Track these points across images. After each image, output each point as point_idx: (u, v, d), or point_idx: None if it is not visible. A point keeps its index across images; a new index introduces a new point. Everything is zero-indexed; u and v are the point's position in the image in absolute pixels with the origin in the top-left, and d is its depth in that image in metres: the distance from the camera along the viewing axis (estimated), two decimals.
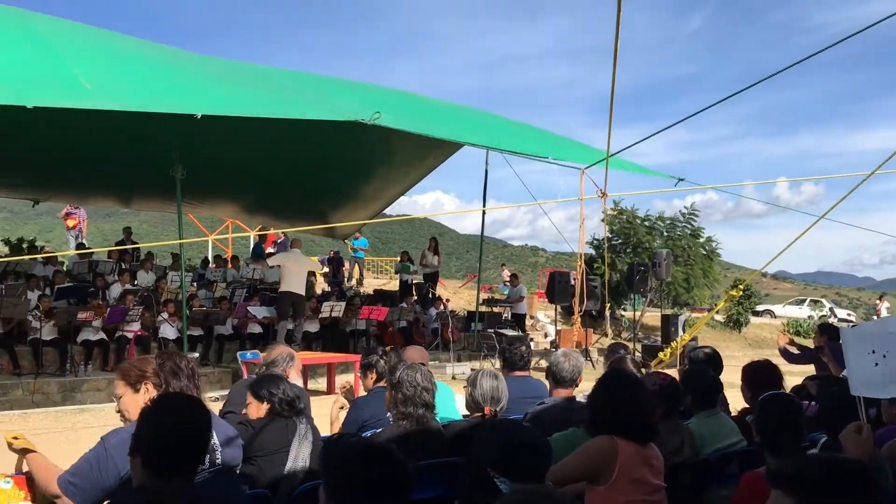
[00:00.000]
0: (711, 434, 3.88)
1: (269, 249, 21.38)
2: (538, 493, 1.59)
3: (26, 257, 14.42)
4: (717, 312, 23.48)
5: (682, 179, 13.53)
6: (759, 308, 33.62)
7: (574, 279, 15.89)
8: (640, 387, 3.12)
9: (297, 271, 13.41)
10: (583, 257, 12.36)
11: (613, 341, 14.42)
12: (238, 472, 3.14)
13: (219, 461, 2.93)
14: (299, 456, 3.43)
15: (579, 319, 12.70)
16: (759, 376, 4.36)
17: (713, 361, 4.72)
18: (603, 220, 21.94)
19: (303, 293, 13.71)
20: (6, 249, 16.90)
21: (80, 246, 17.68)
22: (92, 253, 15.99)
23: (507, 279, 29.28)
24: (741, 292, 14.73)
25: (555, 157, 12.61)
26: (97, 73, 9.05)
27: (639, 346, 16.82)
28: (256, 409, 3.67)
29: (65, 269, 14.78)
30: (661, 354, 10.33)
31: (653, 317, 24.51)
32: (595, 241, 23.11)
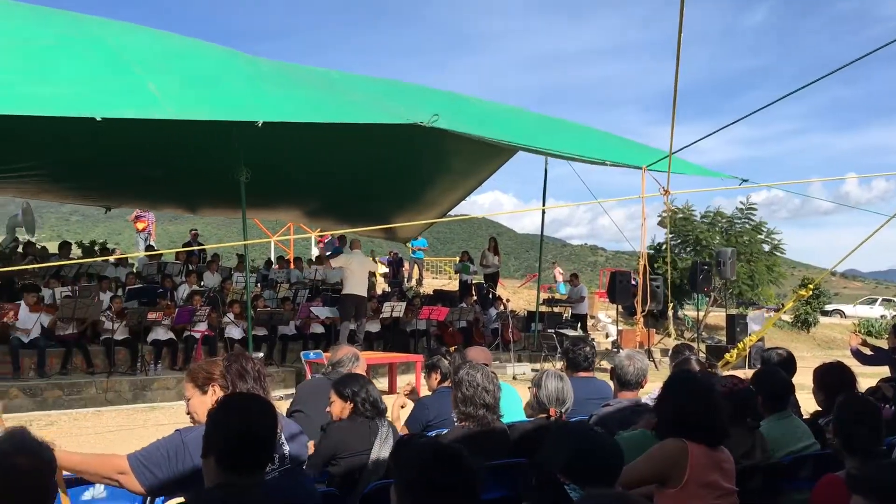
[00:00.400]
0: (784, 437, 3.79)
1: (316, 251, 21.72)
2: (615, 497, 1.57)
3: (99, 259, 14.91)
4: (784, 312, 22.87)
5: (745, 180, 13.26)
6: (829, 308, 32.57)
7: (635, 278, 15.70)
8: (710, 389, 3.06)
9: (359, 273, 13.56)
10: (645, 256, 12.19)
11: (677, 342, 14.20)
12: (304, 467, 3.17)
13: (287, 459, 2.98)
14: (380, 457, 3.45)
15: (642, 319, 12.51)
16: (832, 378, 4.25)
17: (787, 364, 4.60)
18: (663, 217, 21.61)
19: (365, 294, 13.85)
20: (79, 252, 17.47)
21: (149, 248, 18.19)
22: (161, 255, 16.42)
23: (559, 278, 29.13)
24: (811, 292, 14.33)
25: (613, 161, 12.48)
26: (163, 80, 9.26)
27: (702, 347, 16.52)
28: (340, 408, 3.71)
29: (135, 270, 15.21)
30: (727, 356, 10.11)
31: (716, 316, 24.04)
32: (654, 244, 22.71)
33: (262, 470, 2.28)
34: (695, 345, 13.77)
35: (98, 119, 7.71)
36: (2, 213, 20.94)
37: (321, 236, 21.71)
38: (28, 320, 11.15)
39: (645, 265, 11.93)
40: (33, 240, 16.94)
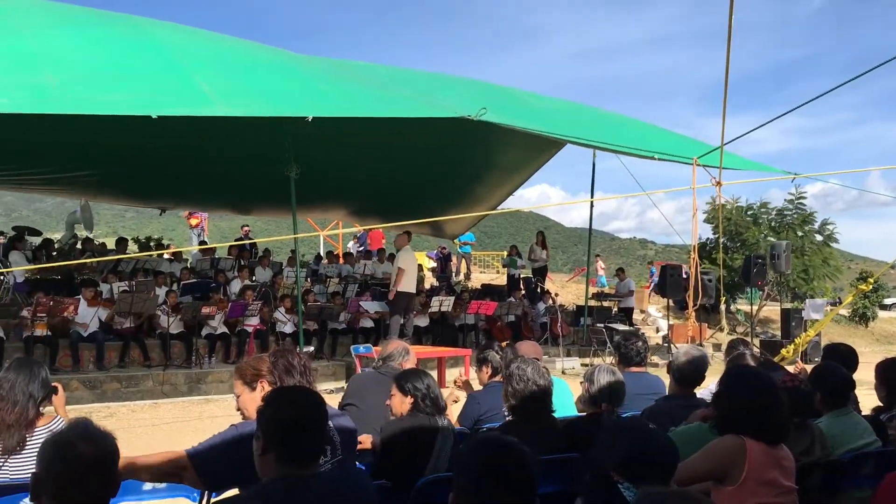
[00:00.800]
0: (844, 434, 3.70)
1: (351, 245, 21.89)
2: (672, 495, 1.54)
3: (154, 254, 15.23)
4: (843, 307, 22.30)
5: (796, 175, 12.99)
6: (888, 301, 31.71)
7: (686, 272, 15.47)
8: (771, 385, 3.00)
9: (412, 270, 13.67)
10: (696, 249, 11.99)
11: (732, 337, 13.95)
12: (358, 461, 3.20)
13: (339, 450, 3.01)
14: (442, 453, 3.45)
15: (694, 314, 12.32)
16: (895, 374, 4.13)
17: (848, 359, 4.49)
18: (712, 211, 21.25)
19: (415, 290, 13.93)
20: (135, 247, 17.87)
21: (202, 243, 18.53)
22: (214, 250, 16.71)
23: (601, 271, 28.83)
24: (871, 286, 13.95)
25: (662, 155, 12.31)
26: (214, 80, 9.42)
27: (756, 342, 16.22)
28: (400, 403, 3.71)
29: (189, 265, 15.50)
30: (783, 351, 9.91)
31: (769, 311, 23.57)
32: (703, 241, 22.30)
33: (316, 461, 2.30)
34: (748, 340, 13.52)
35: (154, 117, 7.87)
36: (61, 210, 21.49)
37: (360, 232, 21.90)
38: (87, 314, 11.46)
39: (696, 258, 11.73)
40: (91, 236, 17.37)
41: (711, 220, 21.77)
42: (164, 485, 3.18)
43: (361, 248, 21.78)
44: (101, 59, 9.10)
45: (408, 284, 13.51)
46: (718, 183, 10.83)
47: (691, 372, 4.22)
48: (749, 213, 23.44)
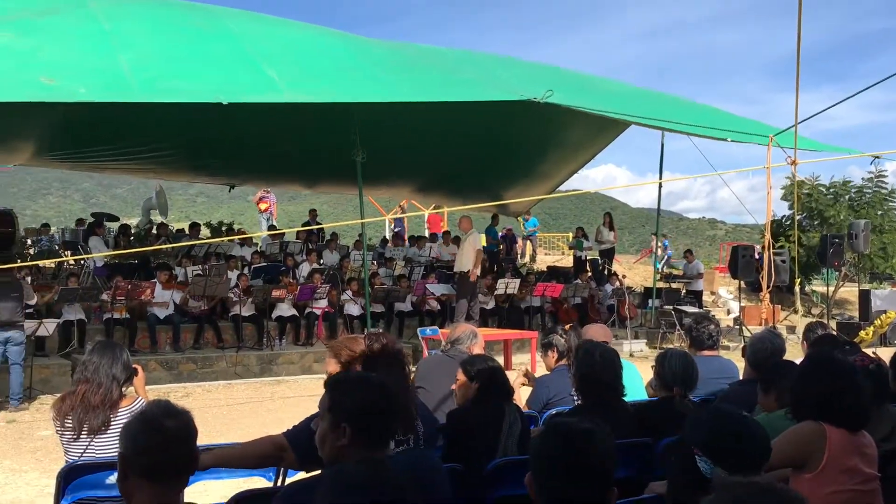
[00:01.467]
0: None
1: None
2: (768, 489, 1.51)
3: (225, 239, 15.61)
4: None
5: (877, 157, 12.51)
6: None
7: (759, 252, 15.07)
8: (852, 370, 2.91)
9: (476, 253, 13.56)
10: (769, 229, 11.65)
11: (808, 320, 13.57)
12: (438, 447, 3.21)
13: (421, 440, 3.04)
14: (510, 438, 3.46)
15: (768, 295, 11.99)
16: None
17: None
18: (787, 189, 20.62)
19: (479, 272, 13.85)
20: (207, 232, 18.33)
21: (271, 228, 18.88)
22: (283, 234, 17.01)
23: (660, 250, 28.30)
24: None
25: (735, 136, 12.00)
26: (285, 67, 9.58)
27: (832, 324, 15.72)
28: (466, 388, 3.71)
29: (259, 249, 15.82)
30: (862, 333, 9.58)
31: (846, 292, 22.78)
32: (778, 217, 21.63)
33: (389, 444, 2.33)
34: (826, 322, 13.12)
35: (224, 103, 8.07)
36: (136, 196, 22.20)
37: (436, 213, 21.93)
38: (162, 297, 11.83)
39: (769, 238, 11.39)
40: (165, 221, 17.89)
41: (788, 197, 21.10)
42: None
43: (398, 230, 21.83)
44: (175, 47, 9.39)
45: (477, 267, 13.45)
46: (794, 161, 10.48)
47: (767, 356, 4.11)
48: (830, 190, 22.66)
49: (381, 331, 3.45)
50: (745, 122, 14.64)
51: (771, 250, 11.73)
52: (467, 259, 13.26)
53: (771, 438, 2.87)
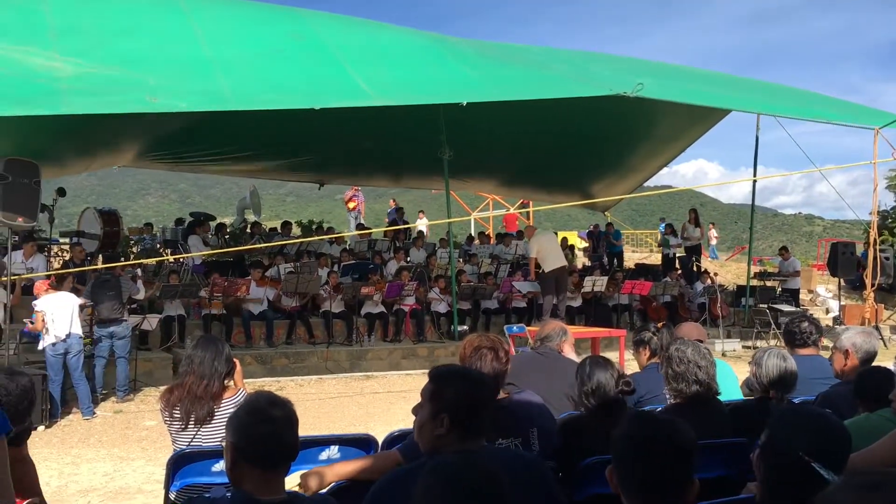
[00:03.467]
0: None
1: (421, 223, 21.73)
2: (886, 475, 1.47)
3: (315, 238, 15.99)
4: None
5: None
6: None
7: (863, 250, 14.44)
8: None
9: (551, 249, 13.37)
10: (875, 225, 11.14)
11: None
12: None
13: (534, 440, 3.07)
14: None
15: (872, 294, 11.47)
16: None
17: None
18: (894, 178, 19.71)
19: (564, 264, 13.68)
20: (298, 231, 18.81)
21: (359, 226, 19.23)
22: (370, 233, 17.31)
23: (713, 241, 27.37)
24: None
25: (841, 120, 11.48)
26: (371, 73, 9.83)
27: None
28: None
29: (348, 247, 16.14)
30: None
31: None
32: (883, 210, 20.66)
33: (482, 437, 2.37)
34: None
35: (316, 108, 8.38)
36: (229, 196, 22.97)
37: (517, 211, 21.87)
38: (256, 294, 12.23)
39: (875, 235, 10.89)
40: (259, 220, 18.44)
41: (891, 188, 20.16)
42: (338, 454, 3.37)
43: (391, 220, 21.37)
44: (270, 66, 9.79)
45: (554, 261, 13.26)
46: None
47: (866, 351, 3.97)
48: None
49: (490, 334, 3.44)
50: (850, 106, 14.04)
51: (877, 247, 11.22)
52: (548, 259, 13.14)
53: (872, 439, 2.79)
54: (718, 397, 3.79)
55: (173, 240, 15.45)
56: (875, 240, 10.91)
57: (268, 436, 2.10)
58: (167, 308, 11.43)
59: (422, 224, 15.19)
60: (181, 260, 13.56)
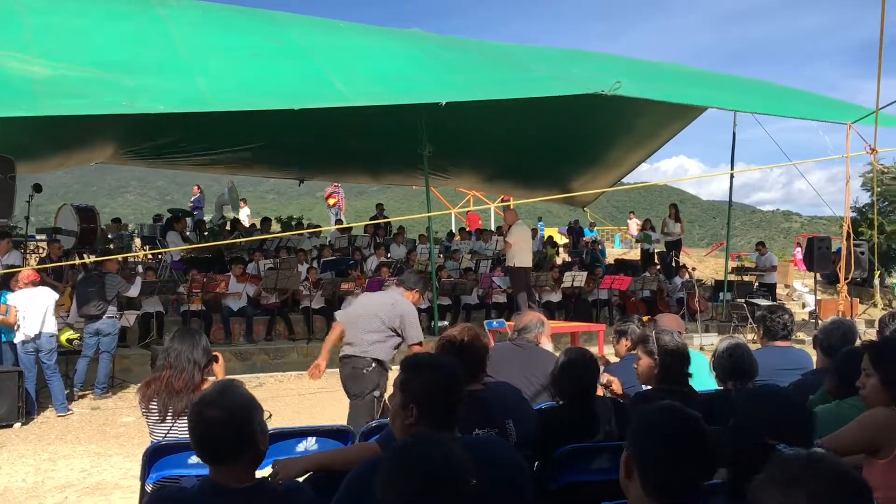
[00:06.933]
0: None
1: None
2: (827, 462, 1.50)
3: (295, 233, 15.94)
4: None
5: None
6: None
7: (836, 244, 14.63)
8: None
9: (524, 245, 13.37)
10: (849, 220, 11.28)
11: (886, 311, 13.10)
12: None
13: (510, 431, 3.09)
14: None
15: (846, 288, 11.62)
16: None
17: None
18: (867, 178, 19.98)
19: (530, 265, 13.69)
20: (278, 227, 18.74)
21: (338, 222, 19.18)
22: (351, 228, 17.28)
23: (634, 229, 27.68)
24: None
25: (814, 116, 11.64)
26: (349, 75, 9.85)
27: None
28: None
29: (328, 243, 16.10)
30: None
31: None
32: (855, 206, 20.98)
33: (453, 427, 2.38)
34: None
35: (296, 109, 8.43)
36: (208, 193, 22.83)
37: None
38: (236, 290, 12.17)
39: (849, 229, 11.03)
40: (239, 216, 18.35)
41: (868, 185, 20.47)
42: (315, 445, 3.38)
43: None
44: (247, 70, 9.77)
45: (524, 259, 13.27)
46: (874, 150, 10.14)
47: (839, 339, 4.03)
48: None
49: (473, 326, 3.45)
50: (825, 101, 14.21)
51: (851, 241, 11.36)
52: (520, 255, 13.18)
53: (841, 425, 2.83)
54: (694, 387, 3.84)
55: (151, 236, 15.34)
56: (849, 234, 11.06)
57: (203, 436, 2.15)
58: (145, 305, 11.35)
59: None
60: (160, 256, 13.47)
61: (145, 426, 3.69)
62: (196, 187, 21.50)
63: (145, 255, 13.37)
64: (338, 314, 6.75)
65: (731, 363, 3.80)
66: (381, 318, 5.66)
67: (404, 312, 5.68)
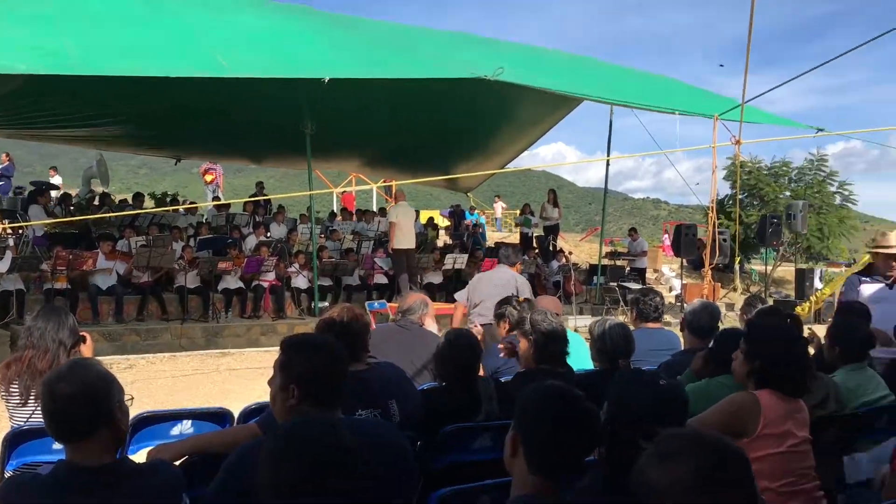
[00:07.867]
0: (859, 388, 3.74)
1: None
2: (708, 438, 1.57)
3: (170, 209, 15.34)
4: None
5: (820, 130, 12.89)
6: None
7: (703, 231, 15.43)
8: (798, 341, 3.04)
9: (406, 227, 13.48)
10: (714, 208, 11.94)
11: (744, 296, 13.95)
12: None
13: (393, 411, 3.07)
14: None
15: (710, 272, 12.30)
16: None
17: (863, 317, 4.49)
18: (730, 169, 21.18)
19: (413, 246, 13.80)
20: (152, 203, 17.98)
21: (216, 199, 18.60)
22: (229, 206, 16.77)
23: (498, 213, 28.67)
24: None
25: (683, 110, 12.21)
26: (231, 48, 9.46)
27: (770, 301, 16.22)
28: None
29: (205, 221, 15.58)
30: (797, 309, 9.91)
31: (783, 271, 23.54)
32: (718, 197, 22.22)
33: (336, 408, 2.35)
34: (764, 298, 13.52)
35: (172, 77, 8.01)
36: (75, 167, 21.55)
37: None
38: (104, 267, 11.59)
39: (714, 217, 11.68)
40: (108, 191, 17.46)
41: (730, 177, 21.71)
42: (191, 429, 3.27)
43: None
44: (120, 36, 9.17)
45: (406, 241, 13.39)
46: (738, 141, 10.75)
47: (707, 319, 4.25)
48: (770, 169, 23.41)
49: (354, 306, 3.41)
50: (696, 93, 14.90)
51: (715, 228, 12.02)
52: (402, 236, 13.25)
53: (710, 404, 2.99)
54: (572, 367, 3.95)
55: (11, 210, 14.37)
56: (714, 222, 11.69)
57: (55, 413, 2.06)
58: (4, 282, 10.62)
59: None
60: (20, 231, 12.64)
61: (4, 410, 3.46)
62: (5, 155, 19.68)
63: (4, 230, 12.48)
64: (458, 295, 7.65)
65: (611, 343, 3.92)
66: (512, 291, 6.34)
67: (522, 283, 7.02)
